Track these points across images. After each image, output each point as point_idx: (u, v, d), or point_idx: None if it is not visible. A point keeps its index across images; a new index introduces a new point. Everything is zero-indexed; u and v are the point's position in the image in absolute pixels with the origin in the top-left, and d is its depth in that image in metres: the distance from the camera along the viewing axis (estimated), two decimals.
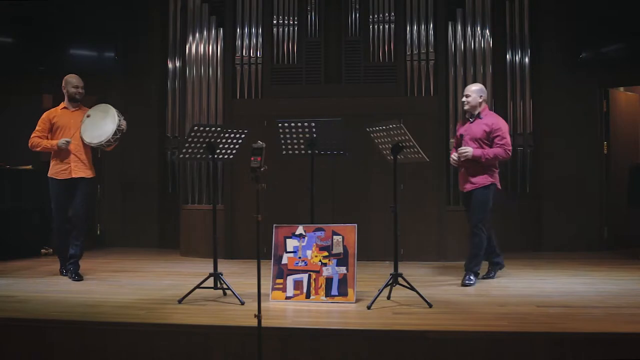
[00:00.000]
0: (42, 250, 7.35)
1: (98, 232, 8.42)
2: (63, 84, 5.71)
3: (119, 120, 5.55)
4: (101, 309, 4.40)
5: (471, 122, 5.40)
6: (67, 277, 5.61)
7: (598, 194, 7.70)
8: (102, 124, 5.57)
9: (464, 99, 5.46)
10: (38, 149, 5.67)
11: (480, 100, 5.39)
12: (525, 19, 7.70)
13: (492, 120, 5.34)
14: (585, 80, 7.67)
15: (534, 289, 5.13)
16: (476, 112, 5.40)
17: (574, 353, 3.60)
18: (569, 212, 7.65)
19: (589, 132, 7.71)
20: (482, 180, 5.35)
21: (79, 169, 5.61)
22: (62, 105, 5.76)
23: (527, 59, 7.69)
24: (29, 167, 7.24)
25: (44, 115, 5.71)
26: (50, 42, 7.83)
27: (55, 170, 5.61)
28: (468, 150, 5.24)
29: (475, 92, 5.40)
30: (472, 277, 5.35)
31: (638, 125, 8.39)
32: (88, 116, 5.61)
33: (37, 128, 5.66)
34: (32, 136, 5.64)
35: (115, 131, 5.54)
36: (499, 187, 5.48)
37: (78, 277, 5.55)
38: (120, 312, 4.32)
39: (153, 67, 8.23)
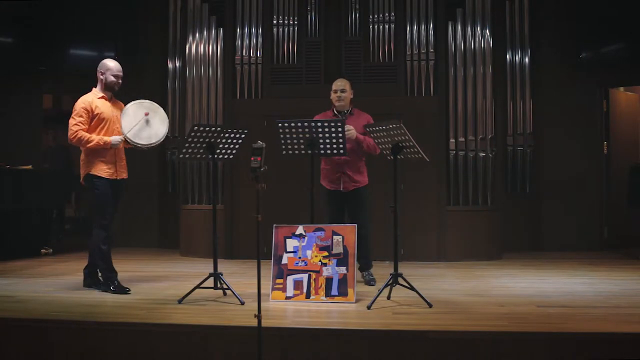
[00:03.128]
0: (42, 250, 7.35)
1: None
2: (101, 69, 4.98)
3: (168, 121, 5.08)
4: (101, 309, 4.40)
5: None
6: (92, 288, 5.08)
7: (598, 194, 7.71)
8: (152, 123, 4.93)
9: (338, 94, 5.23)
10: (88, 146, 4.83)
11: (351, 96, 5.30)
12: (525, 19, 7.71)
13: (366, 116, 5.27)
14: (585, 80, 7.68)
15: (534, 289, 5.13)
16: (348, 109, 5.29)
17: (574, 353, 3.60)
18: (569, 212, 7.66)
19: (589, 132, 7.72)
20: (364, 178, 5.31)
21: (122, 170, 5.05)
22: (97, 93, 4.99)
23: (527, 59, 7.70)
24: (29, 167, 7.23)
25: (85, 104, 4.88)
26: (50, 42, 7.84)
27: (99, 167, 4.91)
28: (351, 129, 5.07)
29: (349, 87, 5.27)
30: (373, 276, 5.35)
31: (638, 125, 8.40)
32: (147, 114, 4.91)
33: (78, 119, 4.83)
34: (75, 129, 4.81)
35: (165, 134, 5.02)
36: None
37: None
38: (120, 312, 4.31)
39: (153, 67, 8.24)
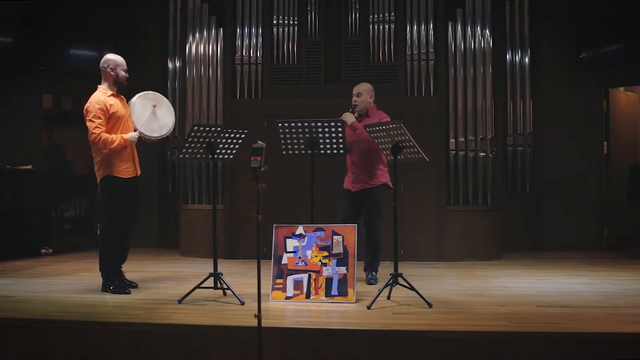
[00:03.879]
0: (42, 250, 7.35)
1: (98, 232, 8.41)
2: (111, 65, 4.86)
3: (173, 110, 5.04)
4: (101, 309, 4.40)
5: (359, 122, 5.28)
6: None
7: (598, 194, 7.71)
8: (160, 114, 4.90)
9: (354, 97, 5.33)
10: (112, 147, 4.74)
11: (371, 100, 5.35)
12: (525, 19, 7.71)
13: (380, 116, 5.30)
14: (585, 80, 7.68)
15: (534, 289, 5.13)
16: (364, 112, 5.36)
17: (574, 353, 3.60)
18: (569, 212, 7.66)
19: (589, 132, 7.72)
20: (376, 180, 5.32)
21: (138, 166, 5.03)
22: (106, 91, 4.87)
23: (527, 59, 7.70)
24: (29, 167, 7.23)
25: (99, 104, 4.75)
26: (50, 42, 7.83)
27: (120, 168, 4.86)
28: (347, 115, 5.18)
29: (367, 91, 5.34)
30: (376, 276, 5.38)
31: (638, 125, 8.40)
32: (154, 106, 4.89)
33: (97, 121, 4.70)
34: (97, 132, 4.69)
35: (174, 123, 5.05)
36: (391, 185, 5.32)
37: (131, 283, 5.12)
38: (120, 312, 4.31)
39: (153, 67, 8.23)
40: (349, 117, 5.19)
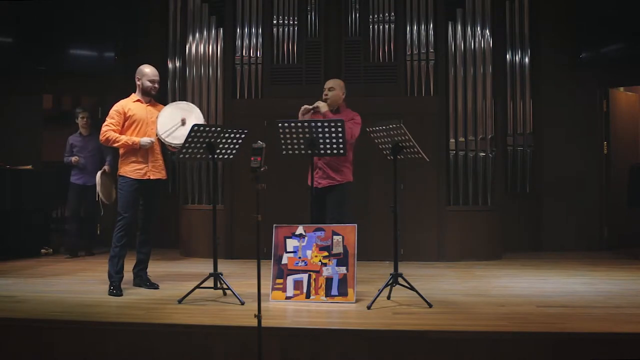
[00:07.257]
0: (42, 250, 7.35)
1: (98, 232, 8.42)
2: (138, 75, 5.17)
3: (205, 121, 5.14)
4: (101, 309, 4.40)
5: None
6: (141, 287, 5.15)
7: (598, 193, 7.71)
8: (187, 123, 4.95)
9: (326, 92, 5.27)
10: (115, 145, 5.04)
11: (342, 96, 5.32)
12: (525, 19, 7.72)
13: (351, 115, 5.25)
14: (585, 80, 7.68)
15: (534, 289, 5.13)
16: (334, 108, 5.30)
17: (574, 353, 3.60)
18: (569, 212, 7.67)
19: (589, 132, 7.73)
20: (343, 177, 5.25)
21: (156, 170, 5.15)
22: (134, 97, 5.19)
23: (527, 59, 7.71)
24: (29, 167, 7.23)
25: (118, 107, 5.09)
26: (50, 42, 7.84)
27: (130, 168, 5.05)
28: (321, 103, 5.15)
29: (339, 87, 5.30)
30: None
31: (638, 125, 8.40)
32: (183, 121, 4.99)
33: (109, 120, 5.04)
34: (104, 129, 5.03)
35: None
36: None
37: (152, 284, 5.18)
38: (120, 312, 4.32)
39: None
40: (322, 106, 5.16)
